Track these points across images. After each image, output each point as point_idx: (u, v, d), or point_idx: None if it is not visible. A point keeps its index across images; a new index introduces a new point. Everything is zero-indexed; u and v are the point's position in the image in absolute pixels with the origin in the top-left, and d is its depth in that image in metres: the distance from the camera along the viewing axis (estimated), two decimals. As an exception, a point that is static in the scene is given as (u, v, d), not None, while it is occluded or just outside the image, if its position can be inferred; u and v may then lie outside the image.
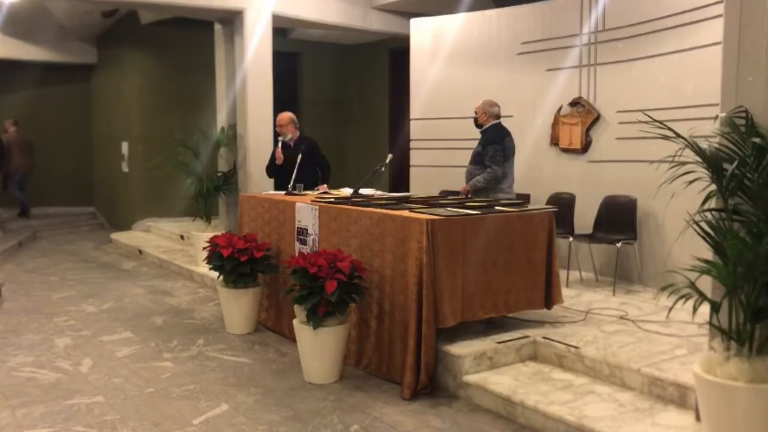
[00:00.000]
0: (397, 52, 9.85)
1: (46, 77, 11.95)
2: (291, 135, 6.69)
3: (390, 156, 6.00)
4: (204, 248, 5.49)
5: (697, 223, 3.11)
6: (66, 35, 11.29)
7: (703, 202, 3.16)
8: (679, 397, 3.59)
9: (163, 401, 4.03)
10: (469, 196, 5.64)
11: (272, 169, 6.81)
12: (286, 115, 6.77)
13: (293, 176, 6.14)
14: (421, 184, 7.68)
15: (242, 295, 5.38)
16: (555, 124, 6.74)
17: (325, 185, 6.46)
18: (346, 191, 5.88)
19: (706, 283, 3.14)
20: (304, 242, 5.12)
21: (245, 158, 7.96)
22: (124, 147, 11.23)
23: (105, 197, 12.43)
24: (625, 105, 6.11)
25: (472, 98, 6.15)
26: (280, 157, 6.56)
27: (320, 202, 5.08)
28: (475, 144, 5.82)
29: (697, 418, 3.25)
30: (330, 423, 3.71)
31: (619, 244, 5.69)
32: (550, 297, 4.72)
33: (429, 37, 7.84)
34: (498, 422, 3.73)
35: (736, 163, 3.05)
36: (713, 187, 3.17)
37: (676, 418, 3.44)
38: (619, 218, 5.90)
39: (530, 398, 3.71)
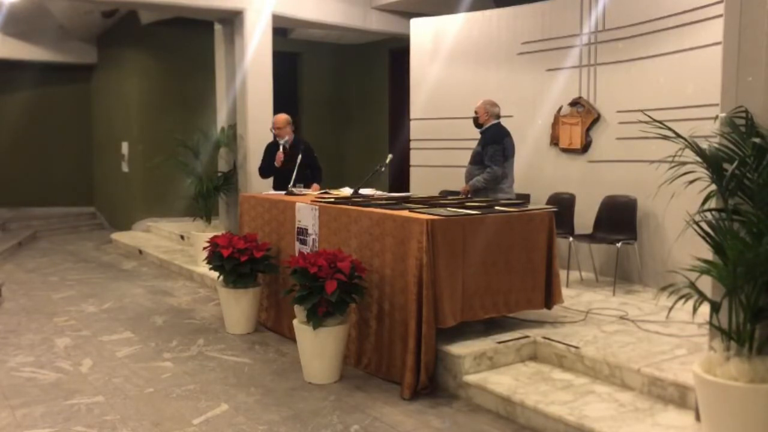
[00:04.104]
0: (397, 52, 9.85)
1: (46, 77, 11.95)
2: (288, 137, 6.61)
3: (390, 156, 5.99)
4: (204, 248, 5.49)
5: (697, 223, 3.11)
6: (66, 35, 11.29)
7: (703, 202, 3.16)
8: (679, 397, 3.59)
9: (163, 401, 4.03)
10: (469, 196, 5.64)
11: (268, 170, 6.71)
12: (283, 117, 6.65)
13: (293, 176, 6.13)
14: (421, 184, 7.67)
15: (242, 295, 5.38)
16: (555, 124, 6.74)
17: (317, 185, 6.43)
18: (346, 191, 5.87)
19: (706, 283, 3.14)
20: (304, 242, 5.12)
21: (245, 158, 7.96)
22: (124, 147, 11.23)
23: (105, 197, 12.43)
24: (625, 105, 6.11)
25: (472, 98, 6.15)
26: (280, 160, 6.49)
27: (320, 202, 5.08)
28: (475, 144, 5.82)
29: (697, 418, 3.25)
30: (330, 423, 3.71)
31: (619, 244, 5.69)
32: (550, 297, 4.72)
33: (429, 37, 7.84)
34: (498, 422, 3.73)
35: (736, 163, 3.05)
36: (713, 187, 3.17)
37: (676, 418, 3.44)
38: (619, 218, 5.90)
39: (530, 398, 3.70)
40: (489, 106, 5.73)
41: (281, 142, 6.58)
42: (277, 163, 6.52)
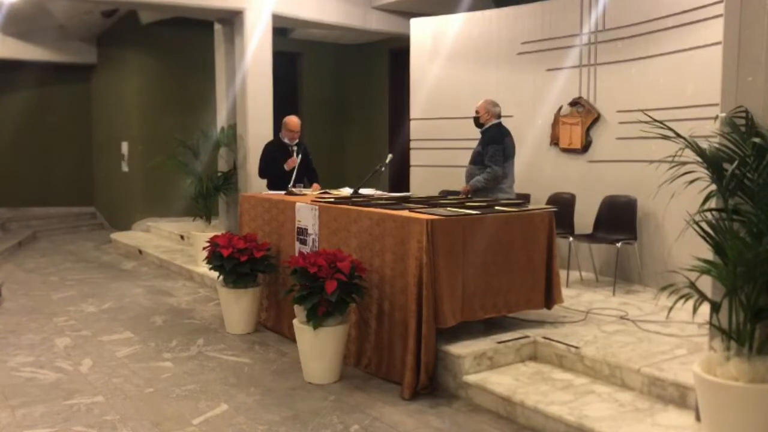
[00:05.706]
0: (397, 52, 9.85)
1: (46, 77, 11.93)
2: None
3: (390, 156, 5.99)
4: (204, 248, 5.49)
5: (697, 223, 3.11)
6: (66, 35, 11.28)
7: (703, 202, 3.16)
8: (679, 397, 3.59)
9: (163, 401, 4.03)
10: (469, 196, 5.64)
11: (272, 172, 6.68)
12: (299, 121, 6.68)
13: (293, 176, 6.12)
14: (421, 184, 7.67)
15: (242, 295, 5.38)
16: (555, 124, 6.74)
17: (317, 185, 6.44)
18: (346, 191, 5.88)
19: (706, 283, 3.14)
20: (304, 242, 5.12)
21: (245, 158, 7.96)
22: (124, 147, 11.23)
23: (105, 197, 12.43)
24: (625, 105, 6.11)
25: (472, 98, 6.15)
26: (296, 163, 6.48)
27: (320, 202, 5.08)
28: (475, 144, 5.82)
29: (697, 418, 3.25)
30: (330, 423, 3.71)
31: (619, 244, 5.69)
32: (550, 297, 4.72)
33: (429, 37, 7.84)
34: (498, 422, 3.73)
35: (736, 163, 3.05)
36: (713, 187, 3.17)
37: (676, 418, 3.45)
38: (619, 218, 5.90)
39: (530, 398, 3.71)
40: (490, 106, 5.73)
41: (293, 145, 6.58)
42: (287, 167, 6.48)
